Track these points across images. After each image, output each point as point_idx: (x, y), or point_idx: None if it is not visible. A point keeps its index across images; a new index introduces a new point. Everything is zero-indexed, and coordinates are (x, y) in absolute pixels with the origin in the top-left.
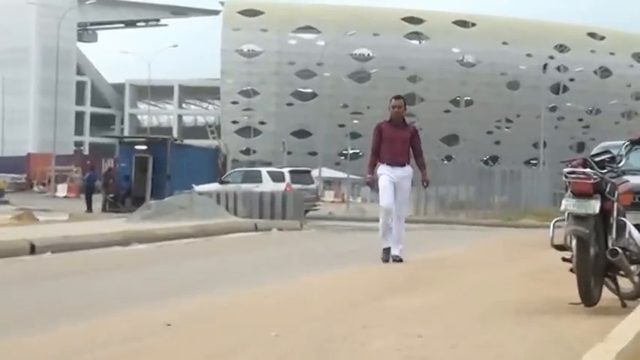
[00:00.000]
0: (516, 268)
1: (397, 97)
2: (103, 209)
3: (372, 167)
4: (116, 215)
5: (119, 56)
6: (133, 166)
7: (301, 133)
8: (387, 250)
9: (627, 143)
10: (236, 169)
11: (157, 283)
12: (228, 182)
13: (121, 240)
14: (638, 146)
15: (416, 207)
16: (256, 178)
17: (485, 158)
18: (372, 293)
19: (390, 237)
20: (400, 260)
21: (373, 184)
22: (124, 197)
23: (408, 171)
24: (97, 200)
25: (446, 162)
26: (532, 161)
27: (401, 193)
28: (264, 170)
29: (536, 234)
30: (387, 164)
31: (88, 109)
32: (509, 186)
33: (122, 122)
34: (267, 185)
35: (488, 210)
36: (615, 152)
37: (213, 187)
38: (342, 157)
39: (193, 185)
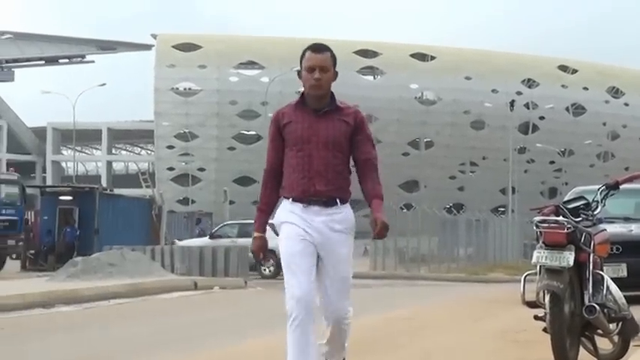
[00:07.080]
0: (484, 328)
1: (316, 49)
2: (23, 267)
3: (264, 214)
4: (37, 274)
5: (40, 97)
6: (56, 218)
7: (244, 180)
8: None
9: (603, 188)
10: (229, 222)
11: (81, 350)
12: (219, 237)
13: (44, 301)
14: (614, 191)
15: (373, 260)
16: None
17: (448, 206)
18: None
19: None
20: None
21: (264, 255)
22: (46, 253)
23: (344, 214)
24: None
25: (405, 210)
26: (500, 209)
27: (331, 264)
28: None
29: (506, 289)
30: (296, 200)
31: (4, 155)
32: (475, 236)
33: (44, 170)
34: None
35: (452, 263)
36: (590, 198)
37: (202, 241)
38: None
39: (176, 240)
